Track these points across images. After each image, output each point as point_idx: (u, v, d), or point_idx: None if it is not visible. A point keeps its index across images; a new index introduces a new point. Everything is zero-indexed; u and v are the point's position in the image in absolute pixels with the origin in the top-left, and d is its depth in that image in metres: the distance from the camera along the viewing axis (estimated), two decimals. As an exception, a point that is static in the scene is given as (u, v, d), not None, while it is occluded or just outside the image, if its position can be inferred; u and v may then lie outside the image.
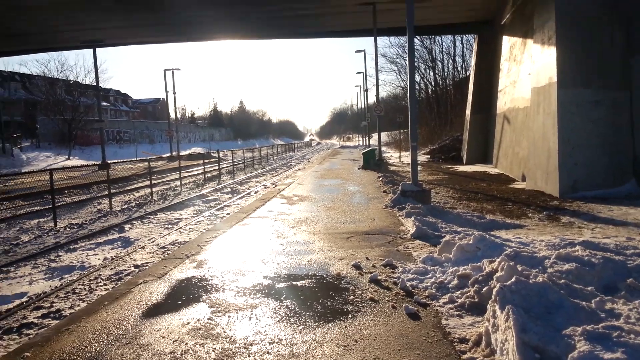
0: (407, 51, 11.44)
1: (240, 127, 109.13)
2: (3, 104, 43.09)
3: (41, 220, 12.09)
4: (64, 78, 47.87)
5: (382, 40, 71.90)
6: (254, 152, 38.43)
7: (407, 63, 11.79)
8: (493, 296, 3.32)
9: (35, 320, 5.30)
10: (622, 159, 11.71)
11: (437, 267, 5.30)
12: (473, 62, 26.37)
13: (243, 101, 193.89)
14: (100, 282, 6.60)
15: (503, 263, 4.06)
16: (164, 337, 3.88)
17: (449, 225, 7.98)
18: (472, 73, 26.34)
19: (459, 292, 4.47)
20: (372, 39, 23.58)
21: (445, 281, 4.82)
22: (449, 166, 23.58)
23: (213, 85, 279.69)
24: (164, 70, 44.02)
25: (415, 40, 46.94)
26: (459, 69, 44.58)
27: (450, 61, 45.92)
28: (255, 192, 16.76)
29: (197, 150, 52.30)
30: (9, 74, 54.98)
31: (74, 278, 6.87)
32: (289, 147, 62.96)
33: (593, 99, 11.68)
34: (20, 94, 54.28)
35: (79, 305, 5.63)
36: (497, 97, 21.40)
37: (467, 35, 38.44)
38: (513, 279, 3.39)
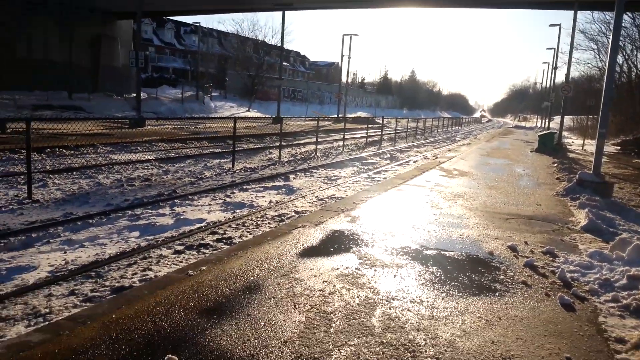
0: (612, 28, 10.04)
1: (408, 96, 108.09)
2: (201, 57, 48.98)
3: (222, 160, 13.71)
4: (254, 37, 52.40)
5: (583, 15, 63.57)
6: (418, 122, 37.86)
7: (610, 42, 10.31)
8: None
9: (211, 242, 6.14)
10: None
11: (605, 263, 4.77)
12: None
13: (414, 70, 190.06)
14: (265, 220, 7.34)
15: (693, 272, 3.50)
16: (315, 276, 4.23)
17: (629, 223, 7.04)
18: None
19: (626, 292, 4.01)
20: (568, 12, 21.09)
21: (612, 279, 4.33)
22: (643, 162, 20.42)
23: (386, 53, 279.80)
24: (342, 35, 45.47)
25: (625, 16, 40.53)
26: (676, 53, 37.48)
27: (667, 44, 38.73)
28: (415, 162, 16.65)
29: (363, 114, 53.41)
30: (208, 30, 61.91)
31: (244, 213, 7.75)
32: (456, 122, 60.51)
33: None
34: (216, 49, 60.87)
35: (246, 236, 6.37)
36: None
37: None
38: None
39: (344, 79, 51.00)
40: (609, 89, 9.87)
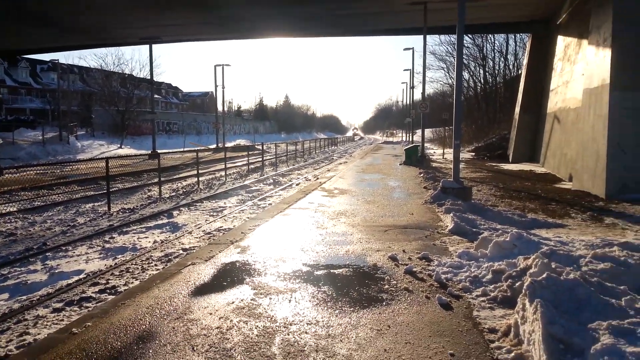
0: (455, 49, 11.38)
1: (284, 121, 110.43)
2: (62, 94, 45.43)
3: (96, 204, 12.85)
4: (120, 71, 49.93)
5: (432, 38, 70.58)
6: (297, 145, 38.90)
7: (455, 62, 11.73)
8: (524, 290, 3.43)
9: (93, 295, 5.77)
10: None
11: (473, 262, 5.40)
12: (525, 60, 25.71)
13: (288, 95, 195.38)
14: (152, 262, 7.06)
15: (537, 260, 4.14)
16: (211, 314, 4.20)
17: (488, 222, 7.99)
18: (523, 71, 25.73)
19: (492, 286, 4.58)
20: (421, 36, 23.37)
21: (480, 275, 4.92)
22: (494, 164, 23.18)
23: (260, 80, 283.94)
24: (215, 66, 45.25)
25: (466, 38, 45.87)
26: (511, 67, 43.41)
27: (502, 59, 44.70)
28: (297, 184, 17.10)
29: (242, 142, 53.37)
30: (68, 67, 57.74)
31: (127, 258, 7.37)
32: (332, 141, 63.18)
33: (646, 102, 11.28)
34: (78, 86, 56.93)
35: (132, 282, 6.08)
36: (548, 96, 20.87)
37: (521, 34, 37.32)
38: (544, 275, 3.48)
39: (220, 108, 50.63)
40: (459, 105, 11.16)
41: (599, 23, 12.66)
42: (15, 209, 11.69)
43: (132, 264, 6.96)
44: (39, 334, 4.55)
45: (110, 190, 12.70)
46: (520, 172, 18.82)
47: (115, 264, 7.07)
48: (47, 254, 7.69)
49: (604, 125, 11.57)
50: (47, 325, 4.81)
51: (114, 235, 9.06)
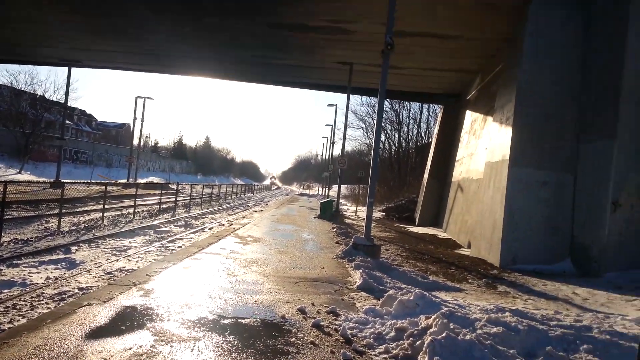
0: (376, 111, 12.08)
1: (202, 162, 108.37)
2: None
3: (-17, 232, 11.64)
4: (32, 92, 46.78)
5: (355, 98, 74.54)
6: (213, 188, 38.25)
7: (375, 123, 12.47)
8: (424, 348, 3.62)
9: (-31, 332, 5.17)
10: (561, 239, 12.45)
11: (378, 318, 5.58)
12: (436, 130, 27.85)
13: (209, 137, 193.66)
14: (43, 300, 6.48)
15: (437, 320, 4.39)
16: (105, 359, 3.94)
17: (394, 281, 8.32)
18: (434, 140, 27.75)
19: (395, 343, 4.75)
20: (345, 95, 24.59)
21: (384, 332, 5.09)
22: (402, 225, 24.28)
23: (181, 117, 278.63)
24: (136, 98, 44.09)
25: (386, 102, 48.58)
26: (423, 134, 46.83)
27: (416, 126, 48.20)
28: (210, 229, 16.72)
29: (156, 179, 51.50)
30: (-30, 79, 53.33)
31: (15, 294, 6.72)
32: (249, 188, 62.80)
33: (541, 180, 12.53)
34: (-21, 100, 52.44)
35: (19, 320, 5.54)
36: (454, 165, 22.55)
37: (434, 105, 40.54)
38: (444, 334, 3.71)
39: (135, 142, 48.87)
40: (375, 165, 11.74)
41: (502, 103, 14.13)
42: None
43: (19, 300, 6.35)
44: None
45: (4, 218, 11.61)
46: (425, 235, 19.88)
47: (1, 299, 6.42)
48: None
49: (502, 198, 12.68)
50: None
51: (1, 268, 8.24)
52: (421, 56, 18.96)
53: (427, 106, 44.93)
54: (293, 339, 4.88)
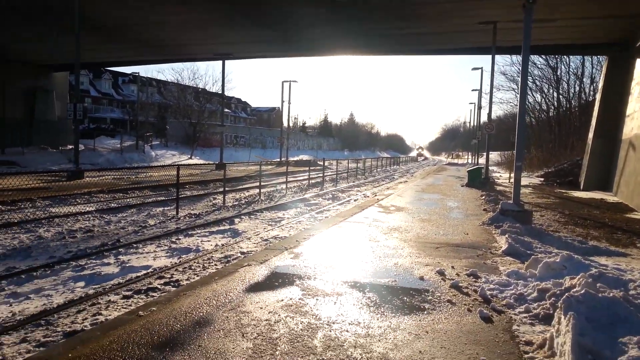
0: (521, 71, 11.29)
1: (348, 138, 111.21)
2: (140, 106, 48.71)
3: (165, 208, 13.75)
4: (194, 86, 52.80)
5: (503, 58, 68.74)
6: (359, 162, 39.20)
7: (520, 84, 11.65)
8: (559, 304, 3.49)
9: (159, 286, 6.31)
10: None
11: (520, 280, 5.42)
12: (601, 84, 24.64)
13: (353, 113, 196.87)
14: (212, 262, 7.58)
15: (582, 279, 4.15)
16: (261, 308, 4.55)
17: (545, 246, 7.85)
18: (598, 95, 24.66)
19: (536, 303, 4.61)
20: (490, 56, 23.09)
21: (525, 293, 4.95)
22: (563, 191, 22.25)
23: (325, 97, 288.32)
24: (282, 82, 46.87)
25: (540, 59, 44.06)
26: (587, 90, 41.40)
27: (577, 82, 42.76)
28: (355, 200, 17.34)
29: (305, 157, 54.42)
30: (147, 80, 61.88)
31: (190, 257, 7.94)
32: (394, 161, 62.92)
33: None
34: (155, 98, 60.70)
35: (194, 278, 6.59)
36: (624, 121, 19.90)
37: (597, 56, 35.71)
38: (582, 291, 3.53)
39: (285, 124, 52.12)
40: (521, 127, 11.02)
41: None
42: (93, 209, 12.78)
43: (194, 263, 7.50)
44: (110, 315, 5.10)
45: (179, 196, 13.56)
46: (590, 200, 17.99)
47: (180, 261, 7.64)
48: (119, 249, 8.42)
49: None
50: (117, 308, 5.37)
51: (180, 237, 9.72)
52: (575, 4, 16.89)
53: (589, 58, 39.46)
54: (430, 297, 5.02)
